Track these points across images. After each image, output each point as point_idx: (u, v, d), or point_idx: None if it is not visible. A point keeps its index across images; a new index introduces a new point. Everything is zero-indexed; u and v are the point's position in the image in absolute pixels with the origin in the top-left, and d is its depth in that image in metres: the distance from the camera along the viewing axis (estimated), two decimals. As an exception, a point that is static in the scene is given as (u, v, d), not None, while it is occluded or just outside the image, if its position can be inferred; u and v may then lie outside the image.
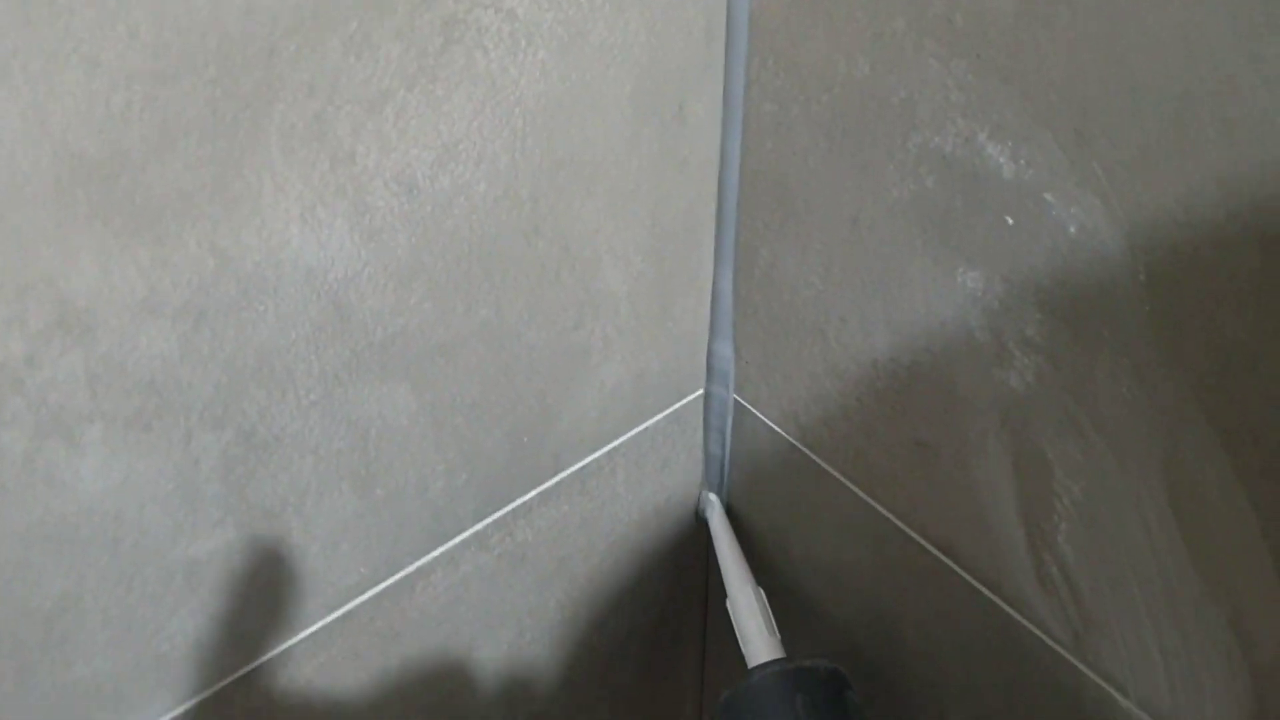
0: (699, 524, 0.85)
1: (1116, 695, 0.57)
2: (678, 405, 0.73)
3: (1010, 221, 0.51)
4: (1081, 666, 0.59)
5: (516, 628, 0.75)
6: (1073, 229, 0.48)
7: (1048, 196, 0.49)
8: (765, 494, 0.77)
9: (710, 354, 0.72)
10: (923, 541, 0.65)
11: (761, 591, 0.73)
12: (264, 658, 0.59)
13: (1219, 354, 0.45)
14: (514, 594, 0.72)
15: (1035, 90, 0.47)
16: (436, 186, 0.50)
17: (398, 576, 0.63)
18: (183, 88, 0.40)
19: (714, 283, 0.68)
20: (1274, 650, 0.49)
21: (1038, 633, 0.60)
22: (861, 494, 0.67)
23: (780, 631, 0.71)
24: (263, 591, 0.56)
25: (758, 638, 0.70)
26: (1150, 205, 0.45)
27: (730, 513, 0.81)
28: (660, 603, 0.87)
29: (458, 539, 0.65)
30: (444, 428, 0.59)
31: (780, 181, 0.61)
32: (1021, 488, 0.57)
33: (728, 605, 0.73)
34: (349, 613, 0.61)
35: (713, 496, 0.81)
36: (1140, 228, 0.45)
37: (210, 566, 0.53)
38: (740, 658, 0.71)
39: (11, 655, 0.48)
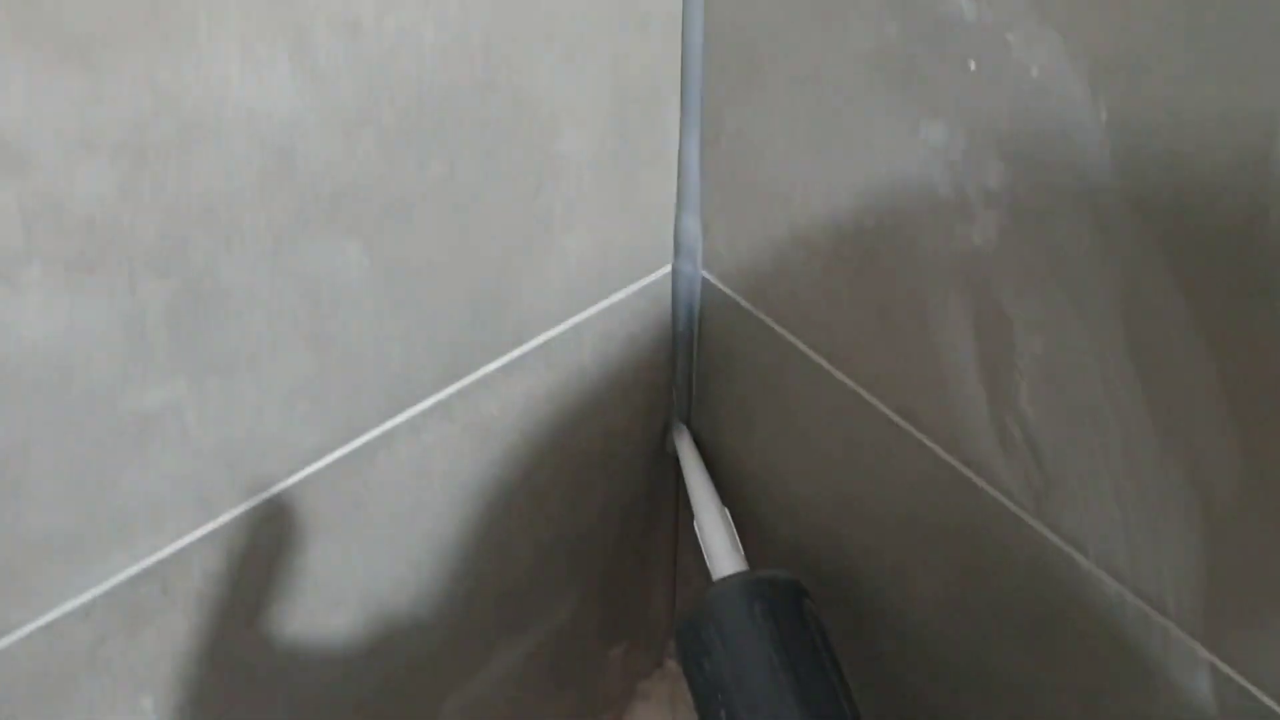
0: (667, 441, 0.86)
1: (1077, 555, 0.57)
2: (645, 281, 0.72)
3: (973, 67, 0.49)
4: (1042, 528, 0.59)
5: (484, 502, 0.75)
6: (1034, 71, 0.47)
7: (1009, 37, 0.47)
8: (734, 371, 0.76)
9: (678, 229, 0.71)
10: (885, 410, 0.64)
11: (727, 511, 0.76)
12: (223, 518, 0.59)
13: (1179, 195, 0.44)
14: (480, 467, 0.72)
15: (998, -76, 0.45)
16: (382, 27, 0.49)
17: (359, 441, 0.63)
18: (105, -98, 0.39)
19: (680, 152, 0.67)
20: (1229, 499, 0.49)
21: (999, 496, 0.60)
22: (826, 365, 0.67)
23: (749, 516, 0.72)
24: (218, 449, 0.56)
25: (721, 554, 0.73)
26: (1111, 41, 0.43)
27: (699, 393, 0.81)
28: (633, 480, 0.87)
29: (419, 406, 0.65)
30: (399, 289, 0.58)
31: (744, 39, 0.60)
32: (982, 348, 0.56)
33: (694, 526, 0.76)
34: (308, 477, 0.61)
35: (680, 424, 0.83)
36: (1101, 64, 0.44)
37: (162, 420, 0.53)
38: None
39: (-41, 503, 0.48)
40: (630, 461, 0.85)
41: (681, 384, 0.81)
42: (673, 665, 1.11)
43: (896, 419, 0.64)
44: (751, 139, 0.63)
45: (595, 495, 0.84)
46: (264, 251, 0.51)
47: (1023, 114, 0.48)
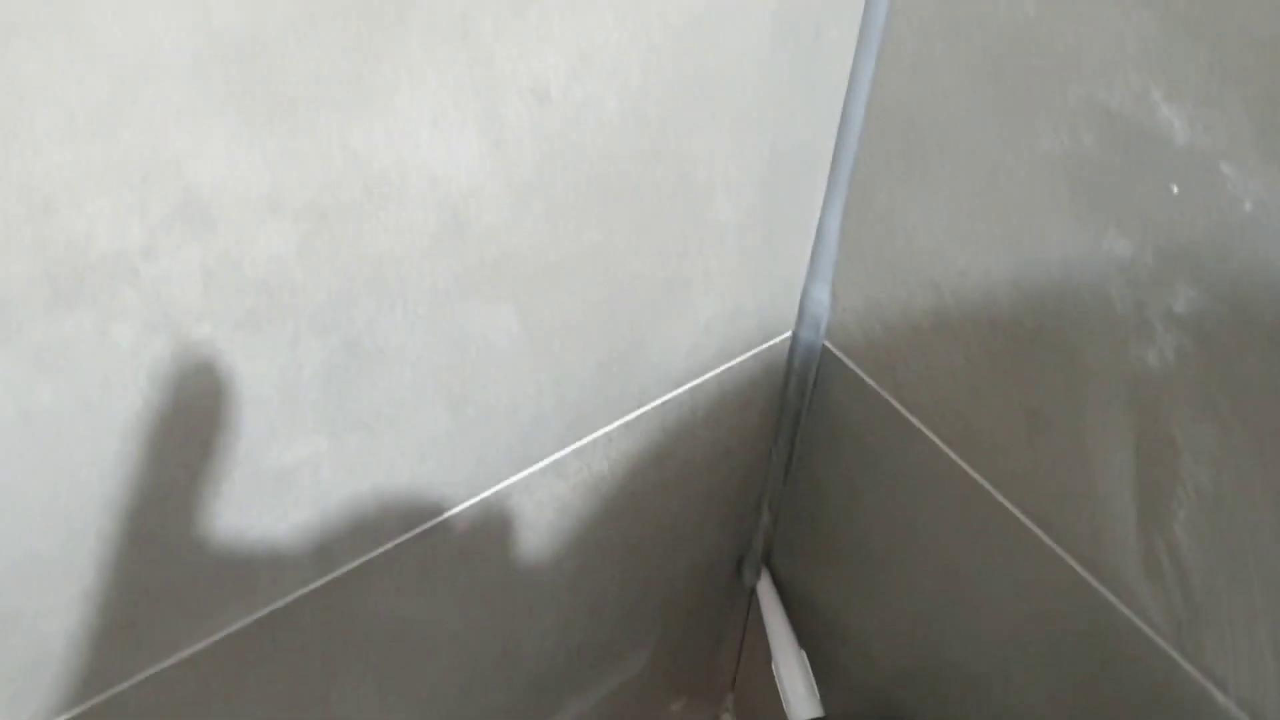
0: (740, 583, 0.86)
1: (1215, 691, 0.56)
2: (764, 346, 0.71)
3: (1175, 190, 0.48)
4: (1179, 658, 0.57)
5: (581, 558, 0.73)
6: (1248, 205, 0.45)
7: (1224, 167, 0.45)
8: (844, 447, 0.75)
9: (805, 298, 0.69)
10: (1018, 513, 0.62)
11: (804, 654, 0.79)
12: (339, 570, 0.57)
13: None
14: (583, 525, 0.70)
15: (1228, 49, 0.43)
16: (568, 98, 0.47)
17: (477, 498, 0.61)
18: (337, -31, 0.37)
19: (820, 223, 0.65)
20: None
21: (1135, 619, 0.58)
22: (954, 456, 0.65)
23: (844, 595, 0.70)
24: (346, 504, 0.55)
25: (798, 698, 0.77)
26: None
27: (801, 465, 0.79)
28: (721, 544, 0.86)
29: (538, 465, 0.63)
30: (540, 351, 0.57)
31: (912, 121, 0.58)
32: (1142, 469, 0.54)
33: (773, 668, 0.78)
34: (426, 531, 0.60)
35: (761, 565, 0.84)
36: (1331, 209, 0.42)
37: (299, 475, 0.51)
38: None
39: (93, 552, 0.47)
40: (721, 525, 0.84)
41: (782, 451, 0.79)
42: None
43: (1030, 525, 0.62)
44: (903, 220, 0.61)
45: (684, 556, 0.83)
46: (422, 313, 0.50)
47: (1227, 245, 0.46)
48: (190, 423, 0.45)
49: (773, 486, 0.82)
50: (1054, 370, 0.56)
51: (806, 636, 0.91)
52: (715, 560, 0.87)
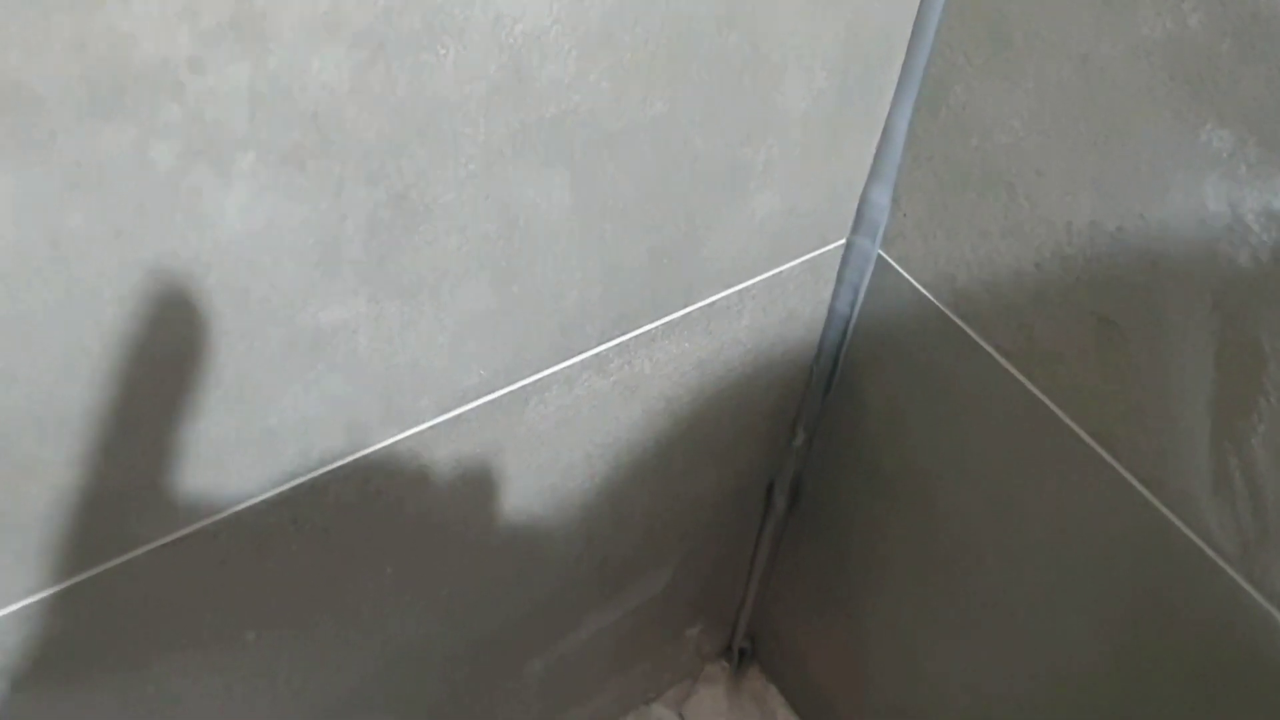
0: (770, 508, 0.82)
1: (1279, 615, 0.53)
2: (817, 252, 0.68)
3: (1289, 73, 0.44)
4: (1243, 581, 0.54)
5: (613, 463, 0.70)
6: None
7: (1350, 44, 0.42)
8: (890, 363, 0.72)
9: (864, 200, 0.66)
10: (1078, 429, 0.60)
11: None
12: (368, 450, 0.55)
13: None
14: (619, 427, 0.68)
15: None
16: (647, -58, 0.44)
17: (514, 386, 0.58)
18: None
19: (888, 119, 0.62)
20: None
21: (1198, 540, 0.56)
22: (1013, 370, 0.62)
23: (881, 524, 0.68)
24: (380, 377, 0.52)
25: None
26: None
27: (843, 381, 0.76)
28: (751, 465, 0.83)
29: (580, 356, 0.60)
30: (592, 231, 0.54)
31: (998, 7, 0.54)
32: (1221, 380, 0.52)
33: None
34: (460, 416, 0.57)
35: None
36: None
37: (335, 339, 0.48)
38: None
39: (121, 404, 0.44)
40: (755, 443, 0.81)
41: (824, 366, 0.76)
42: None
43: (1091, 442, 0.59)
44: (979, 116, 0.58)
45: (714, 473, 0.80)
46: (475, 170, 0.47)
47: (1344, 132, 0.43)
48: (226, 266, 0.42)
49: (811, 405, 0.79)
50: (1133, 275, 0.53)
51: (835, 568, 0.89)
52: (745, 481, 0.85)
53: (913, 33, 0.58)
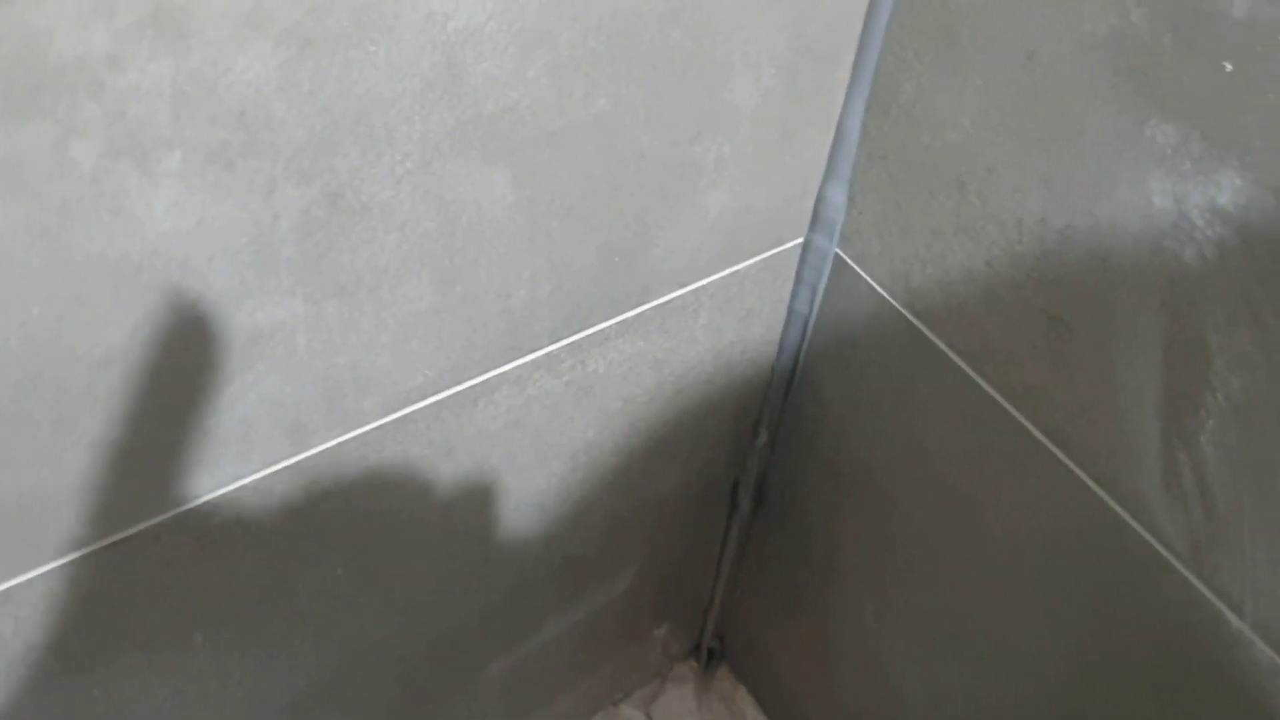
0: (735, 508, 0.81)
1: (1230, 614, 0.53)
2: (774, 251, 0.67)
3: (1229, 68, 0.44)
4: (1194, 579, 0.54)
5: (570, 463, 0.70)
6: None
7: (1288, 39, 0.42)
8: (850, 362, 0.71)
9: (820, 199, 0.66)
10: (1031, 427, 0.59)
11: None
12: (312, 450, 0.54)
13: None
14: (574, 427, 0.67)
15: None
16: (583, -63, 0.44)
17: (462, 386, 0.58)
18: None
19: (841, 117, 0.62)
20: None
21: (1149, 538, 0.55)
22: (967, 369, 0.62)
23: (843, 523, 0.67)
24: (322, 377, 0.51)
25: None
26: None
27: (804, 381, 0.76)
28: (712, 464, 0.83)
29: (529, 357, 0.60)
30: (537, 229, 0.53)
31: (947, 4, 0.54)
32: (1169, 377, 0.51)
33: None
34: (406, 417, 0.56)
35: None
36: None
37: (273, 340, 0.48)
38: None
39: (51, 404, 0.43)
40: (717, 443, 0.80)
41: (785, 367, 0.76)
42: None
43: (1045, 440, 0.59)
44: (930, 114, 0.57)
45: (676, 474, 0.80)
46: (411, 168, 0.46)
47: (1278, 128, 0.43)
48: (157, 266, 0.42)
49: (773, 405, 0.79)
50: (1081, 272, 0.53)
51: (801, 567, 0.89)
52: (709, 481, 0.84)
53: (862, 30, 0.58)
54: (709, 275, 0.65)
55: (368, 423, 0.55)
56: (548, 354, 0.60)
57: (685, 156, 0.56)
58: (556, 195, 0.53)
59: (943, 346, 0.63)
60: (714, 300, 0.67)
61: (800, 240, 0.68)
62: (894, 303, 0.65)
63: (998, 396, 0.61)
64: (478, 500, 0.66)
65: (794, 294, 0.71)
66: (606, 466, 0.73)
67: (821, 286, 0.70)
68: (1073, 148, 0.51)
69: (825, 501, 0.81)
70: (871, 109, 0.61)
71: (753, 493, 0.85)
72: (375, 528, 0.61)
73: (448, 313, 0.53)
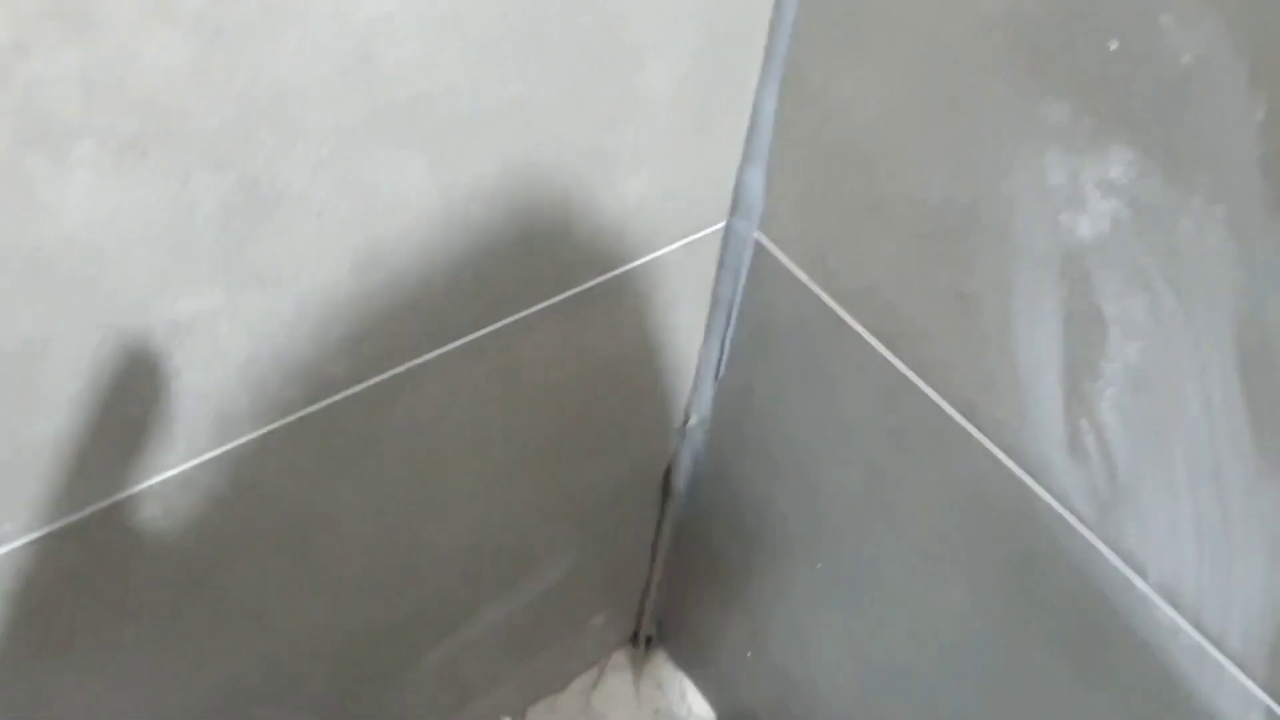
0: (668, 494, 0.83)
1: (1134, 577, 0.55)
2: (696, 236, 0.69)
3: (1114, 46, 0.46)
4: (1100, 544, 0.56)
5: (497, 454, 0.71)
6: (1186, 57, 0.44)
7: (1163, 19, 0.44)
8: (774, 345, 0.73)
9: (739, 184, 0.67)
10: (942, 403, 0.61)
11: None
12: (237, 441, 0.54)
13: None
14: (499, 416, 0.68)
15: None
16: (490, -75, 0.45)
17: (387, 374, 0.58)
18: None
19: (755, 101, 0.63)
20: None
21: (1056, 505, 0.57)
22: (882, 349, 0.64)
23: (773, 502, 0.69)
24: (244, 368, 0.52)
25: None
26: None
27: (732, 365, 0.78)
28: (643, 452, 0.84)
29: (453, 345, 0.60)
30: (456, 215, 0.54)
31: (851, -12, 0.56)
32: (1069, 347, 0.53)
33: None
34: (331, 406, 0.57)
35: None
36: (1269, 58, 0.41)
37: (193, 330, 0.48)
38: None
39: (-35, 395, 0.43)
40: (648, 430, 0.82)
41: (712, 351, 0.77)
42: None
43: (953, 413, 0.61)
44: (839, 97, 0.59)
45: (607, 461, 0.81)
46: (326, 154, 0.47)
47: (1165, 102, 0.45)
48: (72, 258, 0.42)
49: (702, 390, 0.80)
50: (984, 249, 0.55)
51: (734, 550, 0.90)
52: (641, 468, 0.85)
53: (772, 14, 0.59)
54: (631, 261, 0.66)
55: (293, 412, 0.56)
56: (471, 341, 0.61)
57: (601, 142, 0.57)
58: (474, 181, 0.53)
59: (858, 327, 0.65)
60: (637, 286, 0.68)
61: (721, 225, 0.69)
62: (812, 285, 0.67)
63: (910, 374, 0.63)
64: (406, 490, 0.66)
65: (717, 279, 0.73)
66: (535, 455, 0.73)
67: (744, 271, 0.71)
68: (973, 127, 0.53)
69: (756, 484, 0.82)
70: (784, 94, 0.62)
71: (686, 478, 0.86)
72: (304, 521, 0.62)
73: (368, 300, 0.54)
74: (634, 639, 1.09)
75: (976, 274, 0.56)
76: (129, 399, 0.48)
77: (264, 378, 0.53)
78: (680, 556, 0.98)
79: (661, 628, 1.09)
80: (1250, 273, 0.45)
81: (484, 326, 0.61)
